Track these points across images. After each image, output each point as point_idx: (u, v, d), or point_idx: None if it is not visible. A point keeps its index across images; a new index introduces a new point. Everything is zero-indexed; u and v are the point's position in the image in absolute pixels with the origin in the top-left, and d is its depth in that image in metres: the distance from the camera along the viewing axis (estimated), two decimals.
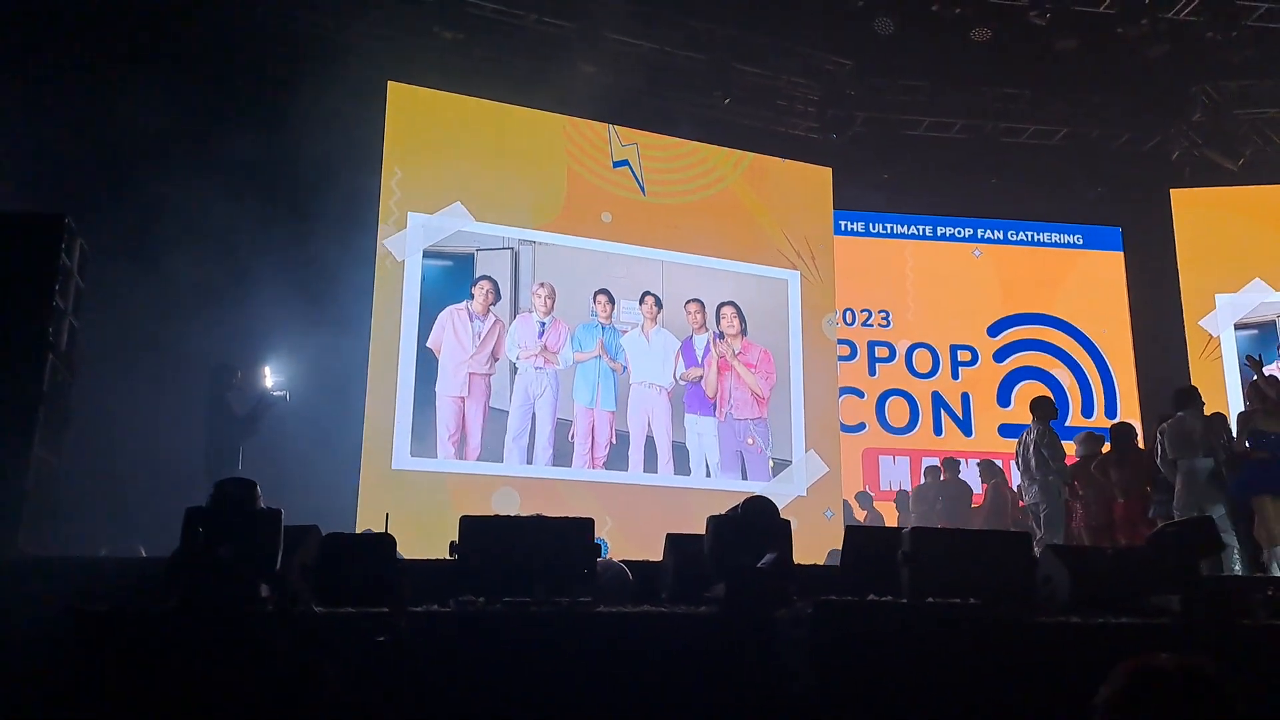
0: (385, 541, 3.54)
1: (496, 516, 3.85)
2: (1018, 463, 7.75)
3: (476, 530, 3.79)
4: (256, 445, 7.00)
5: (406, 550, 4.30)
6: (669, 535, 4.43)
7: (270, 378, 7.33)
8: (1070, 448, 7.95)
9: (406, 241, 9.33)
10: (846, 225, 11.51)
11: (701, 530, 4.36)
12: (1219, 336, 11.06)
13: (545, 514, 4.03)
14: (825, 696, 3.16)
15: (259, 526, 3.58)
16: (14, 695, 3.61)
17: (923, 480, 10.22)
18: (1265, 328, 10.98)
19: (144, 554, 5.33)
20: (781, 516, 4.16)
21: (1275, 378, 7.51)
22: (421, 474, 8.79)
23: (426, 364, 9.11)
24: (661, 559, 4.46)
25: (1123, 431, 7.97)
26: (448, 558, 3.76)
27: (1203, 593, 3.76)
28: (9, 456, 4.47)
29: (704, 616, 3.78)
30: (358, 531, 7.15)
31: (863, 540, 4.27)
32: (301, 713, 2.41)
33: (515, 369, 9.36)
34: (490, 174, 9.77)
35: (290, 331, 7.93)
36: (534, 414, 9.31)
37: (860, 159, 11.46)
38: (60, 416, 4.99)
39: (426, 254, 9.37)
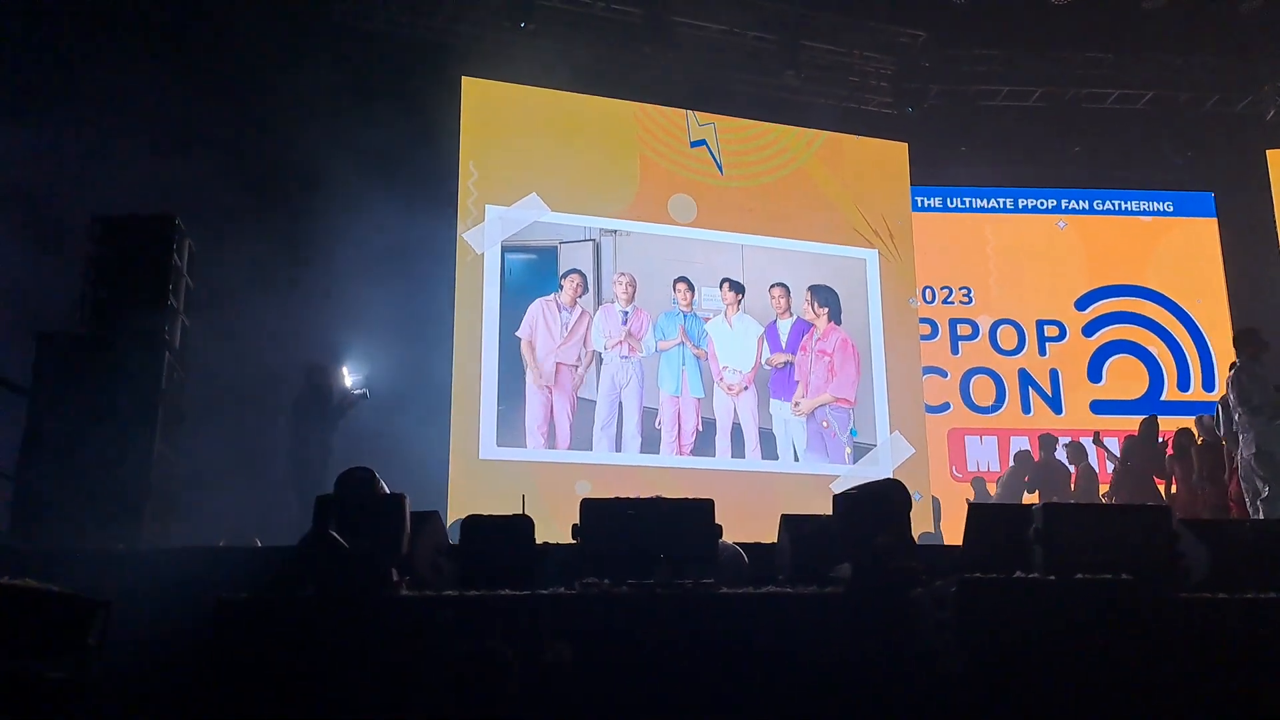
0: (524, 523, 3.54)
1: (617, 499, 3.83)
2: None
3: (597, 513, 3.77)
4: (345, 437, 7.11)
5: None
6: (784, 516, 4.36)
7: (349, 377, 7.44)
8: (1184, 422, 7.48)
9: (485, 234, 9.41)
10: (924, 201, 11.25)
11: (791, 512, 4.31)
12: None
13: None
14: (971, 675, 3.07)
15: (384, 512, 3.61)
16: (152, 682, 3.71)
17: (1011, 464, 9.92)
18: None
19: (259, 544, 5.44)
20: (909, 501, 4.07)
21: None
22: (508, 464, 8.86)
23: (510, 355, 9.17)
24: (776, 540, 4.40)
25: None
26: (570, 541, 3.76)
27: None
28: (134, 453, 4.61)
29: (831, 597, 3.71)
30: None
31: (988, 518, 4.15)
32: (473, 695, 2.41)
33: (601, 359, 9.38)
34: (564, 164, 9.80)
35: (376, 325, 8.05)
36: (620, 403, 9.31)
37: (936, 133, 11.17)
38: (177, 413, 5.12)
39: (509, 247, 9.45)
